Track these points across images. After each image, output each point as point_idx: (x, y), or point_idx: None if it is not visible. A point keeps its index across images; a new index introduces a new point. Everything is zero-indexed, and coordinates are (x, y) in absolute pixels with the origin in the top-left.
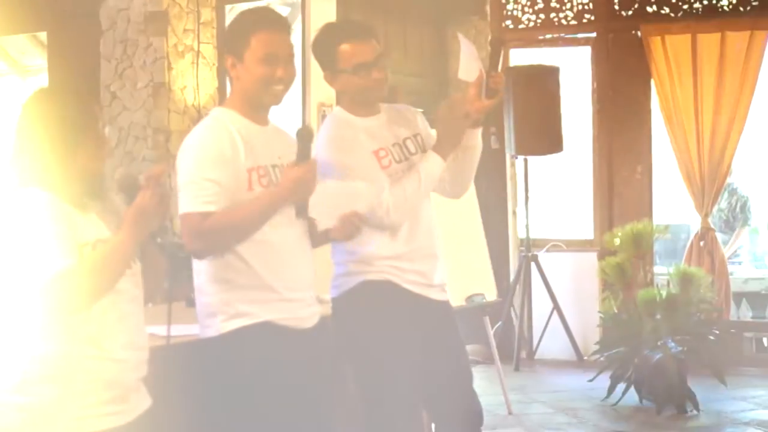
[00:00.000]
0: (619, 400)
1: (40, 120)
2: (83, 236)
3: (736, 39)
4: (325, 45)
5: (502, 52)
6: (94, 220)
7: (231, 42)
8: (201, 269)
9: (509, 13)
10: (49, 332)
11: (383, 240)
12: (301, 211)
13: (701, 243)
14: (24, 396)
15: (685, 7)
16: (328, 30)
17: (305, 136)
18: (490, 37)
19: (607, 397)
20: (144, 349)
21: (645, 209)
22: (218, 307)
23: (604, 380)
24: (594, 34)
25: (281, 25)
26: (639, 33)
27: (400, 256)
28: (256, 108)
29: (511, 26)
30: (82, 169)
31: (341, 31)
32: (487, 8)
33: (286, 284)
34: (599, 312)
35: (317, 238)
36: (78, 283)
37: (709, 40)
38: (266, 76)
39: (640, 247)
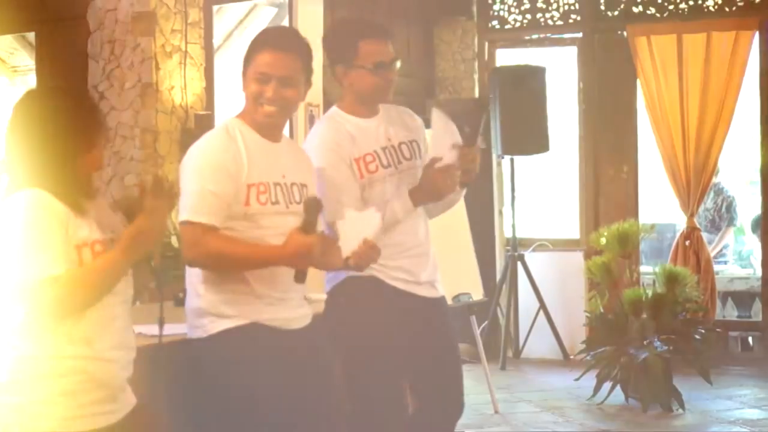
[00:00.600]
0: (605, 399)
1: (38, 120)
2: (81, 237)
3: (722, 39)
4: (343, 39)
5: (485, 117)
6: (90, 222)
7: (244, 56)
8: (192, 271)
9: (496, 13)
10: (42, 332)
11: None
12: (300, 276)
13: (687, 242)
14: (15, 396)
15: (671, 7)
16: (347, 25)
17: (312, 207)
18: (466, 94)
19: (593, 396)
20: (132, 349)
21: (631, 209)
22: (207, 308)
23: (590, 379)
24: (580, 35)
25: (286, 45)
26: (625, 33)
27: (385, 255)
28: (258, 125)
29: (498, 26)
30: (80, 169)
31: (362, 27)
32: (474, 9)
33: (275, 286)
34: (585, 311)
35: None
36: (68, 291)
37: (694, 41)
38: (255, 95)
39: (626, 247)
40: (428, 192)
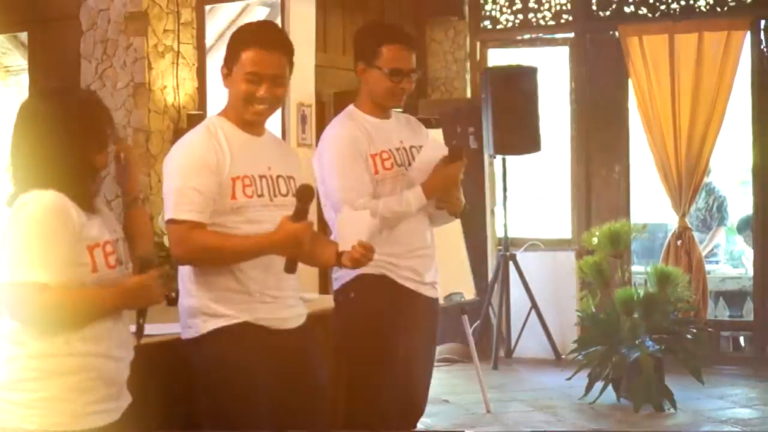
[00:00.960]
0: (597, 398)
1: (53, 121)
2: (93, 238)
3: (713, 39)
4: (369, 39)
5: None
6: (100, 222)
7: (226, 54)
8: (185, 271)
9: (487, 13)
10: (52, 330)
11: (379, 238)
12: (290, 266)
13: (678, 242)
14: (27, 393)
15: (663, 7)
16: (376, 27)
17: (305, 196)
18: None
19: (585, 395)
20: (131, 348)
21: (623, 208)
22: (199, 307)
23: (581, 379)
24: (572, 35)
25: (274, 43)
26: (617, 33)
27: (395, 254)
28: (243, 121)
29: (490, 26)
30: (93, 170)
31: (389, 33)
32: (466, 9)
33: (268, 285)
34: (577, 311)
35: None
36: (51, 303)
37: (686, 41)
38: (247, 94)
39: (618, 246)
40: (440, 183)
